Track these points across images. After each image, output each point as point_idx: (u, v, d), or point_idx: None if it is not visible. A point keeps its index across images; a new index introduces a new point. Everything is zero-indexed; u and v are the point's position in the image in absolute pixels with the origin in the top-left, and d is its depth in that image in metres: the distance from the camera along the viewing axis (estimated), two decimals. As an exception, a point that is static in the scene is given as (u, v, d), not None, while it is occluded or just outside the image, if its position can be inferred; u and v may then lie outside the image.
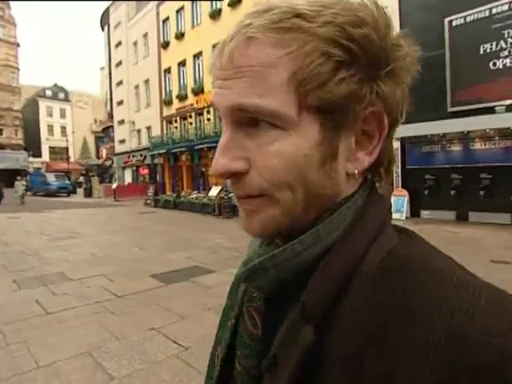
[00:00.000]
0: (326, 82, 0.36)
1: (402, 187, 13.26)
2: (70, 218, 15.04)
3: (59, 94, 59.39)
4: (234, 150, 0.39)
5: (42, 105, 56.44)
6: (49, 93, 58.10)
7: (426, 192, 12.66)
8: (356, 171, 0.40)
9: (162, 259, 7.21)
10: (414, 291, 0.33)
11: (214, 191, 15.64)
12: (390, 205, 0.44)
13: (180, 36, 23.94)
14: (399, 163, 13.47)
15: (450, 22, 11.29)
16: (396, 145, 13.50)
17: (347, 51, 0.36)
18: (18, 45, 50.12)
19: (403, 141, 13.29)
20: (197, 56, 22.93)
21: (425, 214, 12.60)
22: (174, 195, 18.73)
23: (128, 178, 31.65)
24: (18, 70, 49.53)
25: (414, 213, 12.83)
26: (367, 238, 0.39)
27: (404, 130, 13.08)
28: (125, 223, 13.09)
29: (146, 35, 28.20)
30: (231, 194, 15.37)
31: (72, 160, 54.48)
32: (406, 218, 12.76)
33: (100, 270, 6.21)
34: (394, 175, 13.65)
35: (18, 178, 23.68)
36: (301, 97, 0.36)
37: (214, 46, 21.42)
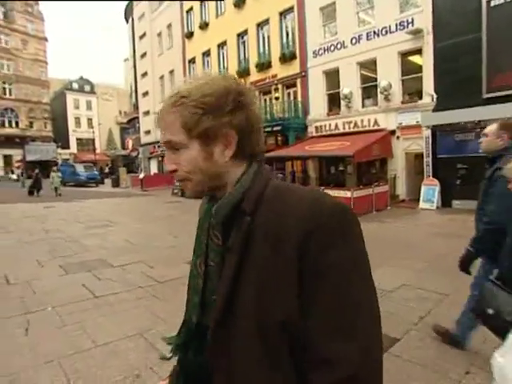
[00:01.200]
0: (196, 125, 0.76)
1: (433, 177, 12.97)
2: (101, 207, 15.51)
3: (85, 86, 60.62)
4: (170, 160, 0.82)
5: (70, 97, 57.81)
6: (75, 86, 59.40)
7: (457, 182, 12.34)
8: (226, 159, 0.79)
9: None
10: (283, 203, 0.74)
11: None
12: (270, 169, 0.85)
13: (204, 26, 23.94)
14: (430, 152, 13.17)
15: (488, 2, 10.83)
16: (427, 133, 13.19)
17: (203, 109, 0.75)
18: (46, 39, 51.24)
19: (434, 129, 12.96)
20: (221, 45, 22.91)
21: (456, 203, 12.30)
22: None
23: (154, 168, 32.23)
24: (47, 63, 50.73)
25: (446, 203, 12.56)
26: (262, 184, 0.78)
27: (435, 118, 12.77)
28: (154, 212, 13.42)
29: (169, 26, 28.34)
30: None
31: (98, 151, 55.82)
32: (437, 207, 12.51)
33: (137, 257, 6.43)
34: (425, 165, 13.39)
35: (54, 169, 23.85)
36: (187, 133, 0.77)
37: (238, 35, 21.38)
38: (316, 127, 17.13)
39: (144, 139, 33.88)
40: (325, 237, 0.68)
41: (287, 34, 18.77)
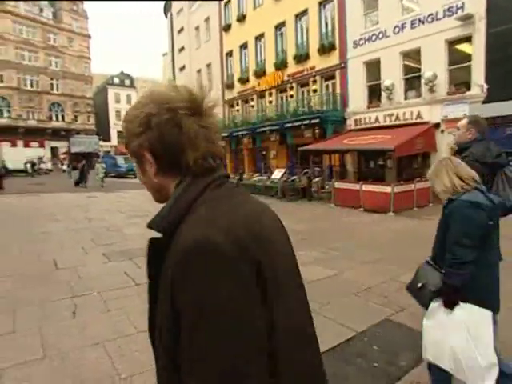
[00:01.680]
0: (127, 147, 0.85)
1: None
2: (141, 198, 15.93)
3: (125, 80, 62.70)
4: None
5: (111, 92, 60.06)
6: (116, 80, 61.58)
7: (508, 177, 11.58)
8: (154, 177, 0.82)
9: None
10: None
11: (277, 174, 15.68)
12: (202, 185, 0.78)
13: (242, 18, 23.88)
14: (477, 146, 12.43)
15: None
16: (475, 125, 12.44)
17: (127, 133, 0.84)
18: (90, 36, 53.35)
19: (483, 121, 12.21)
20: (258, 38, 22.79)
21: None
22: (237, 178, 19.09)
23: (190, 160, 32.79)
24: (90, 59, 52.84)
25: (494, 199, 11.84)
26: (183, 204, 0.76)
27: (485, 110, 12.01)
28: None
29: (207, 19, 28.53)
30: (294, 177, 15.34)
31: (138, 144, 57.66)
32: (484, 204, 11.81)
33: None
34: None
35: (99, 160, 24.52)
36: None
37: (276, 27, 21.15)
38: (355, 120, 16.69)
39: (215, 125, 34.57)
40: (176, 275, 0.67)
41: (326, 25, 18.33)
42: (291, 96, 20.19)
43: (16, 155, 35.49)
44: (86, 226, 8.72)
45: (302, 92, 19.99)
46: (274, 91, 21.66)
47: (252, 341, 0.65)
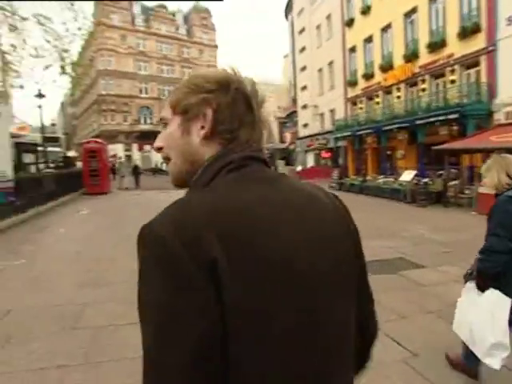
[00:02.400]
0: (179, 102, 0.77)
1: None
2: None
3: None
4: (159, 137, 0.81)
5: (235, 96, 63.96)
6: (240, 85, 65.32)
7: None
8: (200, 137, 0.75)
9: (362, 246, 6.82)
10: None
11: (406, 176, 14.26)
12: (235, 158, 0.72)
13: (366, 10, 22.58)
14: None
15: None
16: None
17: (189, 88, 0.76)
18: (217, 46, 57.83)
19: None
20: (385, 29, 21.24)
21: None
22: (360, 179, 18.08)
23: (310, 161, 32.68)
24: (216, 68, 57.24)
25: None
26: (202, 183, 0.72)
27: None
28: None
29: (329, 16, 27.90)
30: (426, 180, 13.71)
31: (257, 145, 60.09)
32: None
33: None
34: None
35: None
36: (172, 110, 0.78)
37: (405, 15, 19.40)
38: (506, 113, 14.09)
39: (301, 132, 34.65)
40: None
41: (469, 3, 15.96)
42: (423, 90, 18.20)
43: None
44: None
45: (437, 84, 17.86)
46: (402, 86, 19.89)
47: (180, 349, 0.57)
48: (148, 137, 47.60)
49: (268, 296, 0.61)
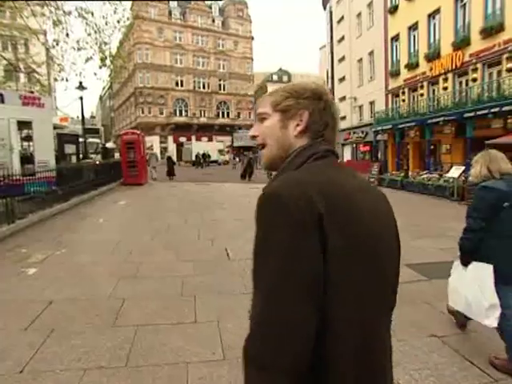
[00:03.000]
0: (280, 102, 0.97)
1: None
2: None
3: (283, 77, 65.25)
4: (256, 128, 1.02)
5: (270, 88, 62.87)
6: (275, 77, 64.68)
7: None
8: (296, 132, 0.95)
9: (409, 246, 6.29)
10: None
11: (454, 172, 13.34)
12: (321, 149, 0.93)
13: (412, -5, 21.35)
14: None
15: None
16: None
17: (288, 93, 0.97)
18: (253, 38, 57.29)
19: None
20: (432, 15, 19.99)
21: None
22: (402, 175, 17.23)
23: (347, 154, 31.77)
24: (252, 60, 56.76)
25: None
26: (291, 168, 0.91)
27: None
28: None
29: (370, 4, 26.72)
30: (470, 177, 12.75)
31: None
32: None
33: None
34: None
35: None
36: (273, 108, 0.97)
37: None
38: None
39: (339, 125, 33.70)
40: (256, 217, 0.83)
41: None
42: (474, 80, 16.96)
43: (202, 148, 41.31)
44: (252, 217, 8.81)
45: (490, 74, 16.60)
46: (450, 75, 18.67)
47: (299, 283, 0.75)
48: (183, 128, 48.29)
49: (356, 247, 0.81)
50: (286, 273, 0.74)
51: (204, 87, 51.47)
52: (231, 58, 53.42)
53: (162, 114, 48.03)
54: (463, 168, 13.08)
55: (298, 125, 0.95)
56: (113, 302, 3.83)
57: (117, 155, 32.12)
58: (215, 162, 41.57)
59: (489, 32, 16.14)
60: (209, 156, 39.03)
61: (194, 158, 38.89)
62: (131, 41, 44.57)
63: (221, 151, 44.35)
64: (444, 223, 8.40)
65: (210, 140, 50.70)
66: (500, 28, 15.67)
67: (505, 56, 15.54)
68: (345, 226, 0.78)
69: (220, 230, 7.34)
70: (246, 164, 21.57)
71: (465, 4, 17.90)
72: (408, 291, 4.08)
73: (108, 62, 11.72)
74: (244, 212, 9.55)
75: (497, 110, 14.08)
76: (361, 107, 29.16)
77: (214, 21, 52.31)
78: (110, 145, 35.63)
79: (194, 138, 49.63)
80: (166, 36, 47.63)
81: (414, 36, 21.81)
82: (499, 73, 15.97)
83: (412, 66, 21.59)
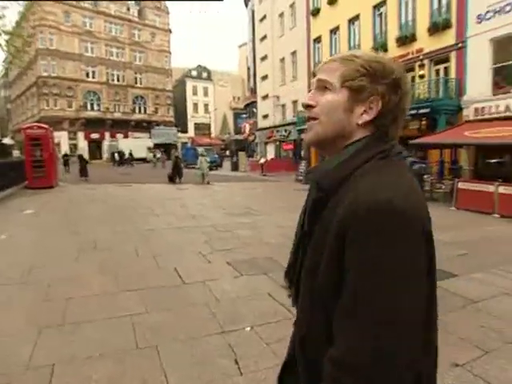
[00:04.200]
0: (354, 78, 0.83)
1: None
2: (234, 191, 15.23)
3: (203, 73, 63.74)
4: (313, 96, 0.89)
5: (189, 84, 61.41)
6: (194, 73, 62.86)
7: None
8: (360, 122, 0.84)
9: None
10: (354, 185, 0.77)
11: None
12: (388, 146, 0.84)
13: (333, 0, 22.06)
14: None
15: None
16: None
17: (366, 70, 0.83)
18: (171, 31, 54.92)
19: None
20: (352, 20, 20.87)
21: None
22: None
23: (270, 153, 31.94)
24: (170, 53, 54.42)
25: None
26: (356, 163, 0.81)
27: None
28: (294, 201, 12.47)
29: (293, 5, 27.14)
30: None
31: (213, 135, 58.43)
32: None
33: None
34: None
35: (203, 152, 19.82)
36: (342, 81, 0.84)
37: (375, 7, 19.10)
38: (475, 109, 14.22)
39: (261, 124, 33.77)
40: (353, 231, 0.71)
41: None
42: (391, 83, 18.07)
43: (129, 146, 38.47)
44: (193, 225, 7.91)
45: (405, 78, 17.78)
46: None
47: (415, 304, 0.69)
48: (95, 124, 44.26)
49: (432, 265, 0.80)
50: (423, 298, 0.72)
51: (118, 80, 47.82)
52: (148, 50, 50.50)
53: (70, 107, 43.40)
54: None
55: (365, 111, 0.85)
56: (35, 375, 2.53)
57: (16, 153, 28.08)
58: (143, 159, 38.67)
59: (403, 41, 17.27)
60: (130, 154, 36.25)
61: (110, 156, 36.15)
62: (31, 22, 39.35)
63: (150, 149, 41.67)
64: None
65: (126, 137, 47.41)
66: (413, 38, 16.86)
67: (417, 63, 16.78)
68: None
69: (160, 242, 6.33)
70: (173, 164, 19.05)
71: (381, 13, 18.94)
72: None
73: (1, 40, 9.70)
74: (181, 219, 8.62)
75: (414, 112, 15.09)
76: (284, 106, 29.52)
77: (129, 9, 48.86)
78: (7, 141, 31.05)
79: (107, 134, 45.88)
80: (74, 21, 43.06)
81: (336, 39, 22.60)
82: (413, 78, 17.19)
83: (334, 68, 22.31)
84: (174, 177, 18.34)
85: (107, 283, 4.29)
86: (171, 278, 4.49)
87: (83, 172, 19.54)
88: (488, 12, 13.84)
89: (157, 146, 47.73)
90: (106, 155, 42.11)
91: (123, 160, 35.39)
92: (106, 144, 44.89)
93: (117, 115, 46.92)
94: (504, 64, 13.63)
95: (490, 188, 10.32)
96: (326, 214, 0.80)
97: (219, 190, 15.44)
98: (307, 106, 0.88)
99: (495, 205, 10.06)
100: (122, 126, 47.03)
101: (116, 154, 36.82)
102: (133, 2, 49.23)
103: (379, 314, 0.67)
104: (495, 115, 13.48)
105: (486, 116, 13.74)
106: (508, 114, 13.05)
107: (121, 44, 47.74)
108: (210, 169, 19.75)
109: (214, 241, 6.37)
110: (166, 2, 54.20)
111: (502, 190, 10.08)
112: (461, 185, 11.23)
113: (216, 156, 33.59)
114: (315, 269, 0.79)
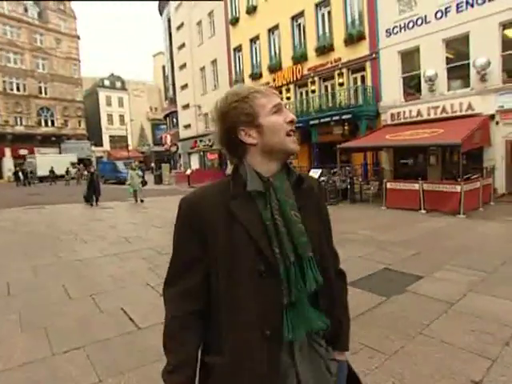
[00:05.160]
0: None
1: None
2: (165, 206, 14.23)
3: (116, 83, 60.35)
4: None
5: (102, 95, 57.61)
6: (107, 83, 59.21)
7: None
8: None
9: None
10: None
11: (313, 175, 14.11)
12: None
13: (252, 10, 22.29)
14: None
15: None
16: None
17: None
18: (79, 37, 51.01)
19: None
20: (272, 30, 21.26)
21: None
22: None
23: (195, 163, 31.09)
24: (79, 61, 50.52)
25: None
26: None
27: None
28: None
29: (211, 13, 26.90)
30: (335, 178, 13.85)
31: (130, 148, 55.45)
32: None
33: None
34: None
35: (133, 165, 17.02)
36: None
37: (293, 18, 19.67)
38: (391, 114, 15.31)
39: (183, 134, 32.79)
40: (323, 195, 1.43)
41: (353, 13, 16.93)
42: (313, 91, 18.72)
43: (50, 162, 35.55)
44: (129, 249, 7.03)
45: (326, 86, 18.55)
46: (291, 86, 20.17)
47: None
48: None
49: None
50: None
51: (19, 89, 42.85)
52: (53, 57, 46.16)
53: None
54: (320, 171, 14.02)
55: None
56: None
57: None
58: (62, 177, 33.46)
59: (322, 50, 18.02)
60: (52, 171, 32.82)
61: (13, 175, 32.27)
62: None
63: (73, 164, 37.77)
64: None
65: (32, 152, 42.65)
66: (331, 48, 17.68)
67: (336, 72, 17.62)
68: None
69: (95, 275, 5.36)
70: (89, 181, 15.52)
71: (299, 24, 19.59)
72: (379, 320, 3.48)
73: None
74: (115, 243, 7.62)
75: (337, 118, 15.76)
76: (206, 115, 29.02)
77: (26, 10, 44.20)
78: None
79: (8, 150, 40.75)
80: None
81: (256, 48, 22.83)
82: (333, 86, 18.00)
83: (256, 76, 22.52)
84: (90, 197, 15.21)
85: (35, 344, 3.26)
86: (120, 323, 3.67)
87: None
88: (395, 27, 15.04)
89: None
90: (9, 174, 37.26)
91: (28, 179, 31.75)
92: (8, 161, 39.95)
93: (19, 129, 41.92)
94: (410, 74, 14.93)
95: (416, 186, 11.04)
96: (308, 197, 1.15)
97: (148, 206, 14.35)
98: (293, 121, 1.09)
99: (421, 201, 10.78)
100: (27, 141, 42.19)
101: (20, 173, 32.89)
102: (30, 1, 44.72)
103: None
104: (409, 119, 14.63)
105: (402, 120, 14.85)
106: (419, 118, 14.25)
107: (19, 49, 42.94)
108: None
109: (159, 266, 5.63)
110: (73, 7, 50.36)
111: (425, 187, 10.85)
112: (389, 185, 11.86)
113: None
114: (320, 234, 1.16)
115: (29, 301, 4.41)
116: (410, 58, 14.90)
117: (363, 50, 16.32)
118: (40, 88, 44.85)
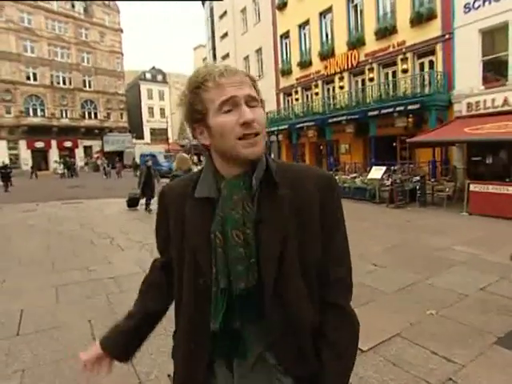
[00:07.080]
0: (259, 95, 0.93)
1: None
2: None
3: (158, 76, 60.55)
4: (251, 111, 0.87)
5: (143, 88, 57.94)
6: (148, 76, 59.51)
7: None
8: None
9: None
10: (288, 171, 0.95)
11: (374, 173, 12.40)
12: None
13: (301, -8, 20.59)
14: None
15: None
16: None
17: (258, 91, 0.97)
18: (122, 31, 51.37)
19: None
20: (324, 14, 19.47)
21: None
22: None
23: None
24: (122, 55, 50.88)
25: None
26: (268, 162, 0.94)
27: None
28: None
29: (256, -1, 25.43)
30: (405, 177, 12.03)
31: (171, 141, 55.40)
32: None
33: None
34: None
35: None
36: (258, 97, 0.93)
37: (348, -1, 17.77)
38: (468, 104, 13.16)
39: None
40: (333, 196, 0.95)
41: (422, -13, 14.82)
42: (370, 79, 16.81)
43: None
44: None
45: (386, 74, 16.59)
46: (345, 75, 18.32)
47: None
48: (40, 131, 39.95)
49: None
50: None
51: (65, 83, 43.67)
52: (97, 50, 46.72)
53: (9, 113, 38.80)
54: (384, 168, 12.27)
55: None
56: None
57: None
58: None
59: (383, 33, 16.05)
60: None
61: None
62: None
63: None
64: (405, 236, 6.83)
65: (75, 145, 43.47)
66: (393, 30, 15.66)
67: (399, 57, 15.61)
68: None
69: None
70: (145, 177, 11.30)
71: (356, 5, 17.67)
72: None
73: None
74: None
75: (402, 108, 13.82)
76: (249, 107, 27.70)
77: (73, 6, 44.88)
78: None
79: (54, 142, 41.69)
80: (10, 16, 38.53)
81: (305, 34, 21.12)
82: (394, 73, 16.02)
83: (305, 64, 20.84)
84: (138, 199, 11.86)
85: None
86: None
87: (6, 187, 17.57)
88: (476, 1, 12.85)
89: (109, 153, 44.49)
90: (55, 165, 37.82)
91: (72, 171, 32.00)
92: (54, 153, 40.89)
93: (64, 121, 42.74)
94: (496, 56, 12.68)
95: (511, 190, 9.07)
96: (287, 205, 0.91)
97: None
98: (252, 121, 0.86)
99: (516, 209, 8.82)
100: (71, 134, 43.00)
101: (62, 165, 33.29)
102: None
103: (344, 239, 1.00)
104: (491, 109, 12.44)
105: (482, 111, 12.69)
106: (506, 107, 12.04)
107: (66, 43, 43.67)
108: (169, 176, 14.54)
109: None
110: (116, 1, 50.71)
111: (523, 191, 8.87)
112: (473, 187, 9.91)
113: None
114: (308, 247, 0.91)
115: (39, 351, 3.12)
116: (494, 37, 12.69)
117: (433, 31, 14.20)
118: (84, 81, 45.53)
